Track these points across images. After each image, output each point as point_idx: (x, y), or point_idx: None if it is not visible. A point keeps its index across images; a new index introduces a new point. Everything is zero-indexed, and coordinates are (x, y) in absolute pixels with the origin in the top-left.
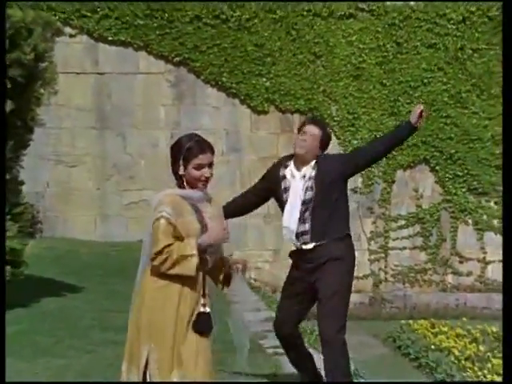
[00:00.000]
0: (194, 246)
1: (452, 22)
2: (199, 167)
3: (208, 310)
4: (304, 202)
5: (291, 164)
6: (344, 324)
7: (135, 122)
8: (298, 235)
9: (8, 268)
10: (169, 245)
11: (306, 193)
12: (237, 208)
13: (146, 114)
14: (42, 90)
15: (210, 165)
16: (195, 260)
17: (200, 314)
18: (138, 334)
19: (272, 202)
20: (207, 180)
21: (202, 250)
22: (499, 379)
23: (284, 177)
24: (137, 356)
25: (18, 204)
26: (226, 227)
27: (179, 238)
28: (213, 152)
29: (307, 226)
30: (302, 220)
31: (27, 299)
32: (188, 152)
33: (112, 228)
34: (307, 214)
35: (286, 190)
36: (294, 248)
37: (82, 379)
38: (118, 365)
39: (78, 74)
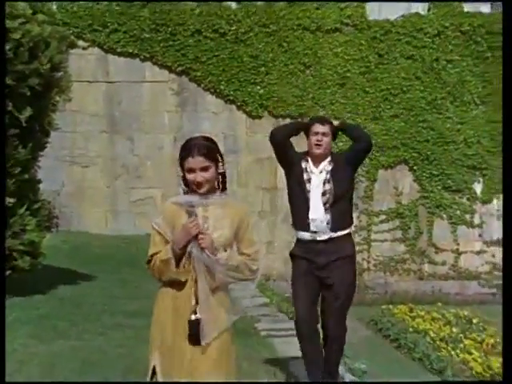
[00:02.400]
0: (169, 249)
1: (428, 35)
2: (190, 171)
3: (198, 316)
4: (324, 193)
5: (309, 160)
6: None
7: (142, 127)
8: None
9: (27, 258)
10: (156, 253)
11: (324, 185)
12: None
13: (152, 120)
14: (57, 98)
15: (204, 169)
16: (172, 262)
17: (188, 322)
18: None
19: (267, 200)
20: (199, 185)
21: (179, 252)
22: (470, 358)
23: (306, 169)
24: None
25: (36, 201)
26: (201, 226)
27: None
28: (206, 156)
29: (328, 217)
30: (325, 211)
31: (45, 287)
32: (181, 155)
33: (121, 223)
34: (327, 205)
35: (309, 181)
36: (299, 243)
37: (94, 359)
38: (127, 346)
39: (90, 82)
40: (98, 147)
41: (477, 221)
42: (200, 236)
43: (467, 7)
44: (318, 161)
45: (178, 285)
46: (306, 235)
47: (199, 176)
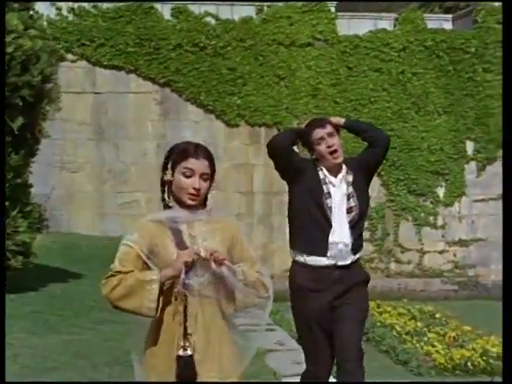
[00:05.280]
0: (157, 272)
1: (394, 50)
2: (189, 173)
3: (189, 352)
4: (349, 211)
5: (323, 169)
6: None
7: (127, 135)
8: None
9: (20, 258)
10: (126, 272)
11: (348, 200)
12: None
13: (137, 128)
14: (48, 107)
15: (204, 176)
16: (156, 288)
17: (178, 358)
18: None
19: (243, 203)
20: (196, 194)
21: (167, 282)
22: (433, 350)
23: (324, 181)
24: None
25: (27, 204)
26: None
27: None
28: (210, 161)
29: (352, 239)
30: (349, 231)
31: (37, 284)
32: (179, 154)
33: (108, 224)
34: (351, 224)
35: (329, 195)
36: (306, 270)
37: (83, 352)
38: (114, 339)
39: (78, 93)
40: (86, 154)
41: (440, 222)
42: (211, 253)
43: (430, 24)
44: (335, 170)
45: (158, 321)
46: (322, 261)
47: (197, 183)
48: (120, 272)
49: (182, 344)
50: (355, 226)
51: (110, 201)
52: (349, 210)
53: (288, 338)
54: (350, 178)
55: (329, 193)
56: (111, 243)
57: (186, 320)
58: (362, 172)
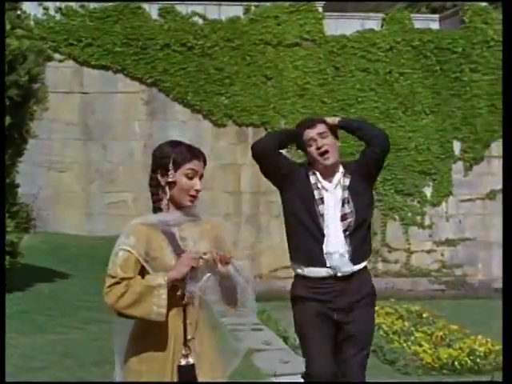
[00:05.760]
0: (162, 275)
1: (381, 50)
2: (191, 174)
3: (191, 361)
4: (344, 218)
5: (317, 173)
6: None
7: (115, 135)
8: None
9: (7, 258)
10: (129, 278)
11: (343, 206)
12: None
13: (124, 128)
14: (35, 107)
15: (201, 179)
16: (164, 293)
17: (180, 368)
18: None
19: (231, 203)
20: (196, 195)
21: (172, 285)
22: (420, 349)
23: (316, 186)
24: None
25: (14, 204)
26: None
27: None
28: (204, 161)
29: (349, 247)
30: (345, 239)
31: (24, 284)
32: (183, 155)
33: (96, 224)
34: (347, 232)
35: (322, 201)
36: (307, 282)
37: (71, 352)
38: (102, 339)
39: (66, 93)
40: (73, 153)
41: (427, 222)
42: (217, 253)
43: (417, 24)
44: (329, 174)
45: (154, 328)
46: (320, 272)
47: (199, 184)
48: (124, 279)
49: (183, 352)
50: (353, 234)
51: (97, 200)
52: (343, 217)
53: (275, 338)
54: (347, 182)
55: (321, 199)
56: (99, 243)
57: (185, 324)
58: (361, 174)
